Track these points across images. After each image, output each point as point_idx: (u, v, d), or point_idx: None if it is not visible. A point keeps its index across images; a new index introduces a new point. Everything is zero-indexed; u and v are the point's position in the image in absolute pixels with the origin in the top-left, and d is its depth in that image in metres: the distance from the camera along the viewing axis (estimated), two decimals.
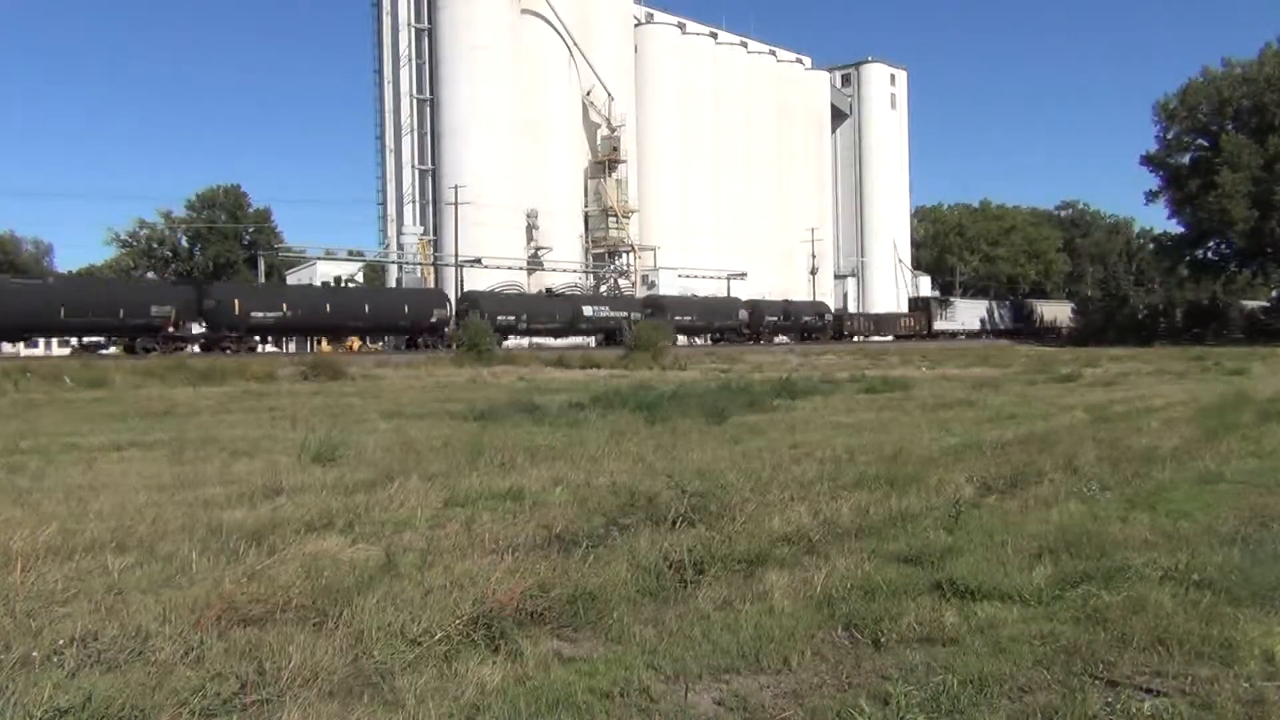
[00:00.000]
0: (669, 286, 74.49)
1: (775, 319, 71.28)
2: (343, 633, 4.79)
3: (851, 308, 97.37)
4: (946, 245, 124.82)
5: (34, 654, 4.47)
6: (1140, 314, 79.58)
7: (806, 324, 74.60)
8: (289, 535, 6.90)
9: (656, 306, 62.05)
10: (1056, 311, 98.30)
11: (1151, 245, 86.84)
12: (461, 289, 62.68)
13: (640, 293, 74.36)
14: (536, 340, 57.39)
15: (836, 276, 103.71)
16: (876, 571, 6.05)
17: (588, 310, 59.32)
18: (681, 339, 59.70)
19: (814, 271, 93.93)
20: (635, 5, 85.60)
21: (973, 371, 31.00)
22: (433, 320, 52.01)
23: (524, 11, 75.20)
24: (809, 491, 8.52)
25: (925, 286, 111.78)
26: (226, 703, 4.06)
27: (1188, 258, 75.90)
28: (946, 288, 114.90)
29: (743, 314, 68.81)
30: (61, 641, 4.60)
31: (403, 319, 51.80)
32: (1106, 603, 5.36)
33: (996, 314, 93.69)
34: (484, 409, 15.90)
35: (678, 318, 61.03)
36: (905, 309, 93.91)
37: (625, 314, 59.36)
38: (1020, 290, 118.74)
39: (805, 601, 5.54)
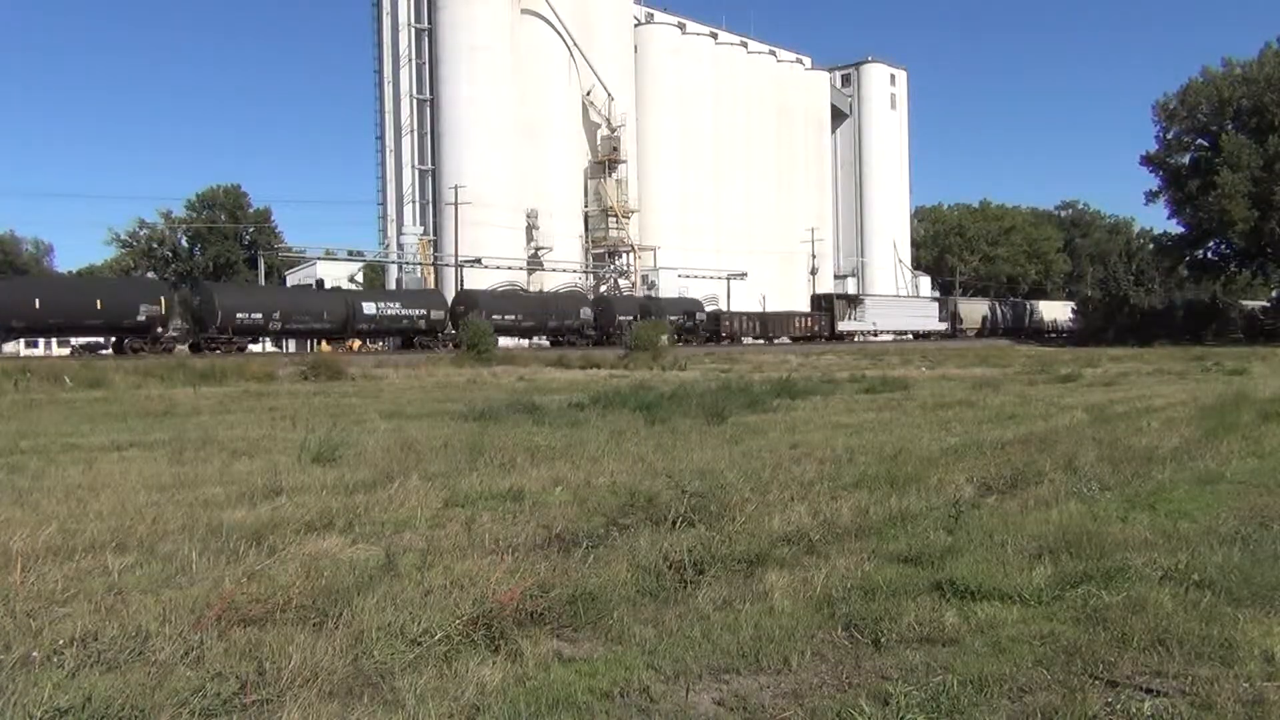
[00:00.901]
0: (668, 287, 74.48)
1: (630, 318, 58.33)
2: (343, 633, 4.79)
3: None
4: (946, 245, 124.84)
5: (34, 654, 4.47)
6: (1140, 314, 79.49)
7: (672, 324, 60.73)
8: (289, 535, 6.90)
9: (468, 303, 52.33)
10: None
11: (1151, 245, 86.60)
12: (461, 288, 62.69)
13: (640, 293, 74.39)
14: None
15: (836, 276, 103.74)
16: (876, 571, 6.05)
17: (368, 308, 48.55)
18: (506, 341, 51.11)
19: (814, 271, 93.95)
20: (635, 5, 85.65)
21: (973, 371, 31.00)
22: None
23: (524, 11, 75.23)
24: (809, 491, 8.52)
25: (925, 286, 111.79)
26: (226, 703, 4.06)
27: (1188, 258, 75.83)
28: (947, 288, 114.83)
29: (586, 312, 58.99)
30: (61, 641, 4.60)
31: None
32: (1106, 603, 5.36)
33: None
34: (484, 409, 15.90)
35: (496, 316, 50.72)
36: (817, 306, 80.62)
37: (422, 311, 49.96)
38: (1020, 290, 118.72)
39: (805, 601, 5.54)
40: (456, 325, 48.44)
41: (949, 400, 18.91)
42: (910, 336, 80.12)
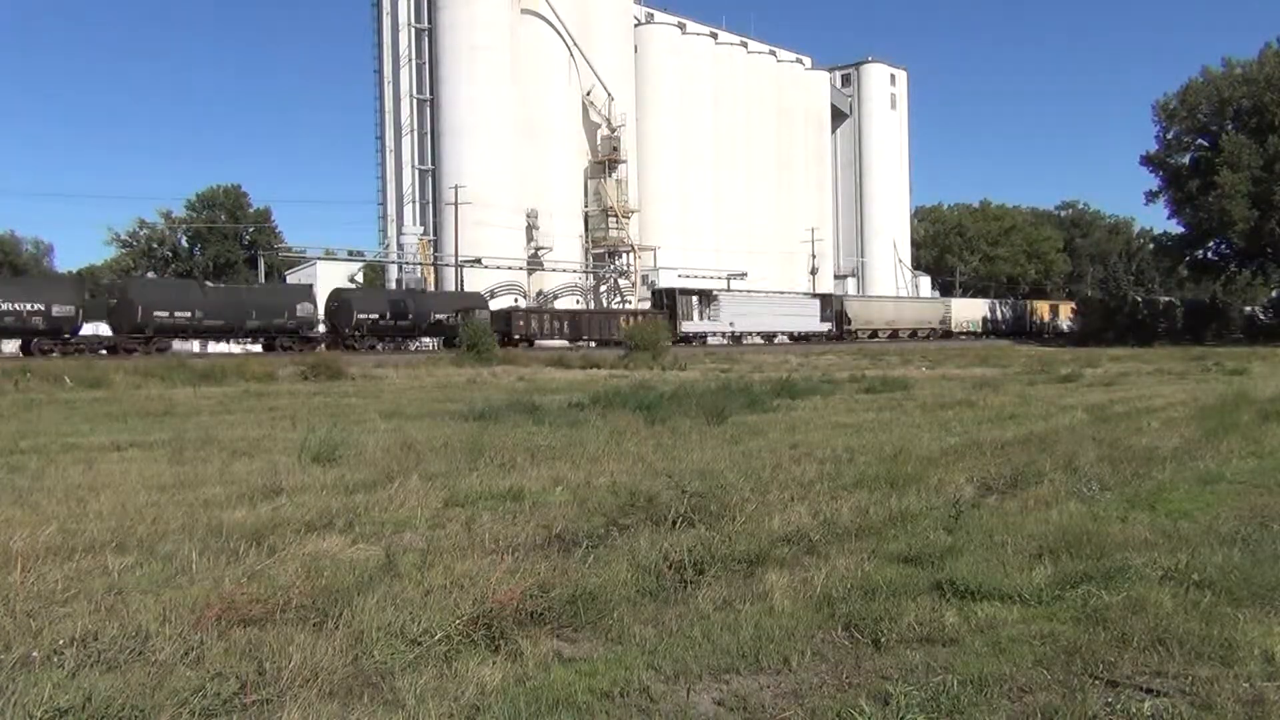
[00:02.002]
0: (668, 285, 74.42)
1: (374, 317, 48.93)
2: (343, 633, 4.79)
3: None
4: (946, 245, 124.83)
5: (34, 654, 4.47)
6: (1140, 314, 79.46)
7: (439, 325, 50.78)
8: (289, 535, 6.90)
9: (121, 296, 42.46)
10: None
11: (1151, 245, 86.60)
12: (461, 289, 62.69)
13: (642, 293, 74.41)
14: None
15: (836, 276, 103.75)
16: (876, 571, 6.05)
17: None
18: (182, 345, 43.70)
19: (814, 271, 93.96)
20: (635, 5, 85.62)
21: (973, 371, 31.01)
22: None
23: (524, 11, 75.22)
24: (809, 491, 8.53)
25: (925, 286, 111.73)
26: (226, 703, 4.07)
27: (1188, 258, 75.86)
28: (947, 287, 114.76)
29: (304, 309, 46.73)
30: (61, 641, 4.60)
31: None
32: (1106, 603, 5.36)
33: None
34: (484, 409, 15.90)
35: (160, 314, 41.58)
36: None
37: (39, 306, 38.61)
38: (1020, 290, 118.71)
39: (805, 601, 5.54)
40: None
41: (949, 400, 18.91)
42: (787, 339, 69.17)
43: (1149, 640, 4.79)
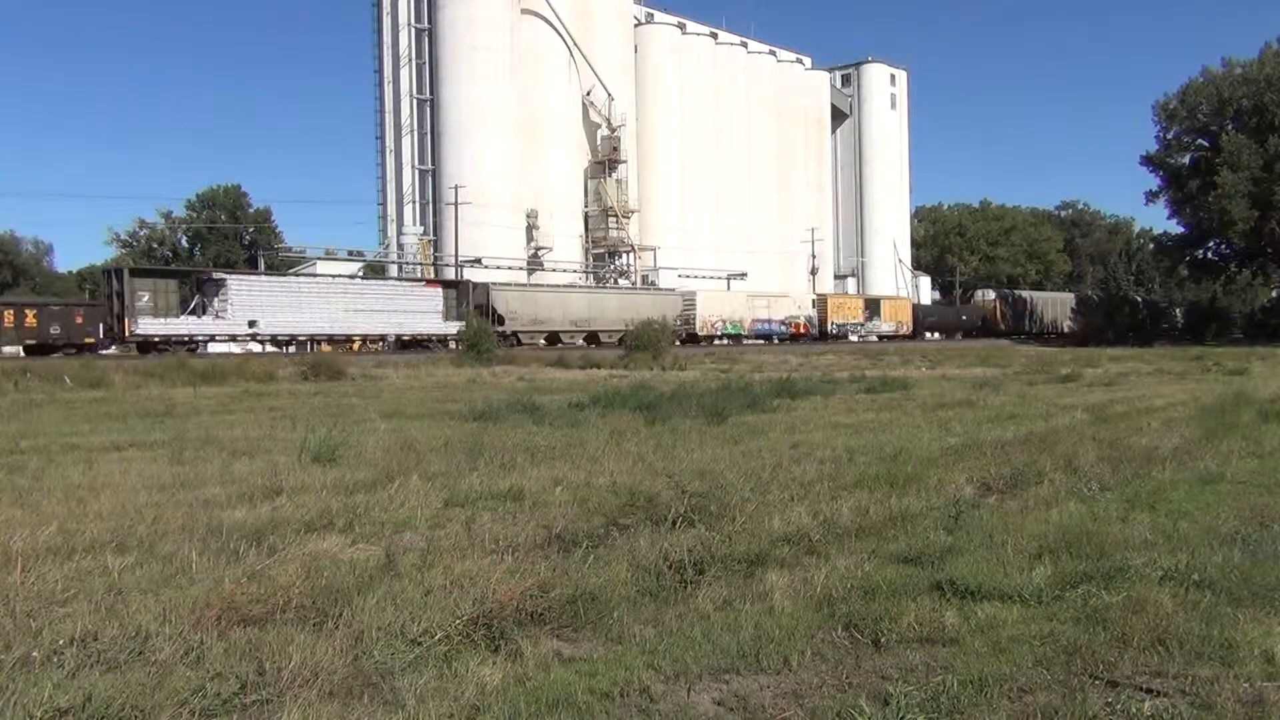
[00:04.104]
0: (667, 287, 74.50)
1: None
2: (343, 633, 4.79)
3: None
4: (946, 245, 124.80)
5: (34, 654, 4.47)
6: (1140, 314, 79.53)
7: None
8: (289, 535, 6.90)
9: None
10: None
11: (1151, 245, 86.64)
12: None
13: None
14: None
15: (836, 276, 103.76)
16: (876, 571, 6.05)
17: None
18: None
19: (814, 271, 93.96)
20: (635, 5, 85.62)
21: (973, 371, 30.99)
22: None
23: (524, 11, 75.24)
24: (809, 491, 8.52)
25: (925, 286, 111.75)
26: (226, 703, 4.07)
27: (1188, 258, 75.88)
28: (947, 287, 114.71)
29: None
30: (61, 641, 4.60)
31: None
32: (1106, 603, 5.36)
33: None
34: (484, 409, 15.89)
35: None
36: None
37: None
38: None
39: (805, 601, 5.54)
40: None
41: (949, 400, 18.90)
42: (385, 347, 48.92)
43: (1149, 640, 4.79)
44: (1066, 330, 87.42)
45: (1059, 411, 16.31)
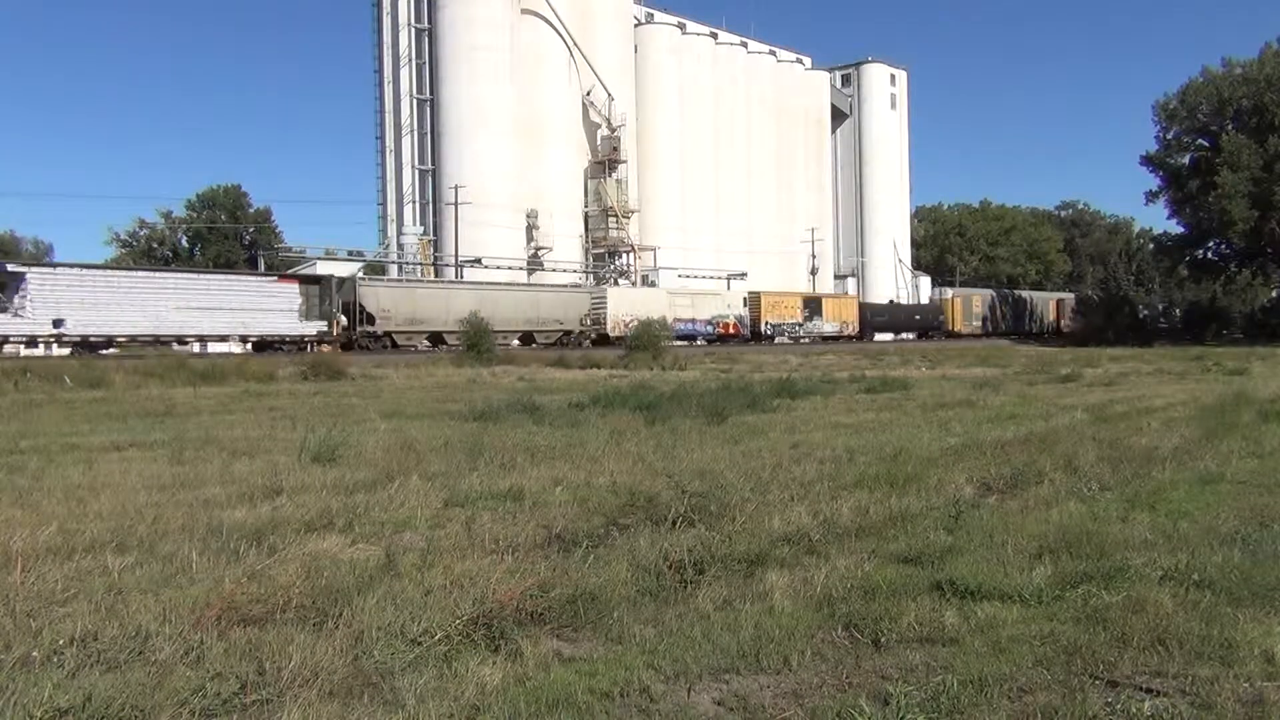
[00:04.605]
0: (668, 287, 74.52)
1: None
2: (343, 633, 4.79)
3: None
4: (946, 245, 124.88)
5: (34, 654, 4.47)
6: (1140, 314, 79.48)
7: None
8: (289, 535, 6.91)
9: None
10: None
11: (1151, 245, 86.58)
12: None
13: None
14: None
15: (837, 276, 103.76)
16: (876, 571, 6.05)
17: None
18: None
19: (814, 271, 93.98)
20: (635, 5, 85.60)
21: (973, 371, 30.99)
22: None
23: (524, 11, 75.24)
24: (809, 491, 8.52)
25: (925, 286, 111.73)
26: (226, 703, 4.07)
27: (1188, 258, 75.89)
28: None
29: None
30: (61, 641, 4.60)
31: None
32: (1106, 603, 5.36)
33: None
34: (484, 409, 15.89)
35: None
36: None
37: None
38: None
39: (805, 601, 5.54)
40: None
41: (949, 400, 18.90)
42: (231, 348, 42.36)
43: (1149, 640, 4.79)
44: (1034, 330, 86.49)
45: (1059, 411, 16.32)
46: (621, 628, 5.11)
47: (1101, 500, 8.49)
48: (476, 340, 39.27)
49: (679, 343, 55.96)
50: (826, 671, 4.57)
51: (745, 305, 67.27)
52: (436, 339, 49.80)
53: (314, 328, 45.33)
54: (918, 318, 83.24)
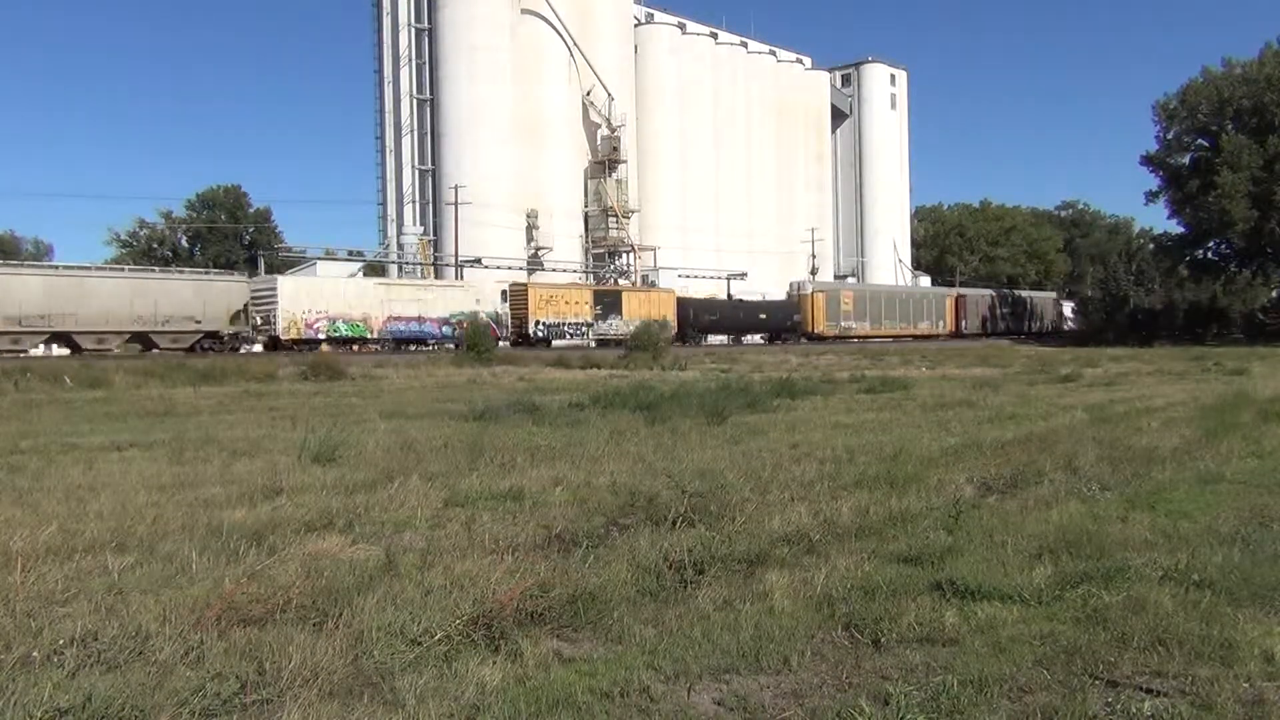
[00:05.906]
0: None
1: None
2: (343, 633, 4.79)
3: None
4: (946, 245, 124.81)
5: (34, 654, 4.47)
6: (1140, 314, 79.45)
7: None
8: (289, 535, 6.90)
9: None
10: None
11: (1151, 245, 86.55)
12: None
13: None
14: None
15: (837, 276, 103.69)
16: (876, 571, 6.05)
17: None
18: None
19: (814, 271, 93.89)
20: (635, 5, 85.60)
21: (973, 371, 30.99)
22: None
23: (524, 11, 75.23)
24: (809, 491, 8.52)
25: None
26: (226, 703, 4.07)
27: (1188, 258, 75.80)
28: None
29: None
30: (61, 641, 4.60)
31: None
32: (1106, 603, 5.36)
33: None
34: (484, 409, 15.89)
35: None
36: None
37: None
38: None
39: (805, 601, 5.54)
40: None
41: (949, 400, 18.89)
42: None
43: (1149, 640, 4.79)
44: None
45: (1059, 411, 16.31)
46: (621, 628, 5.11)
47: (1101, 500, 8.49)
48: (476, 340, 38.93)
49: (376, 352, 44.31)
50: (826, 672, 4.57)
51: (505, 300, 53.58)
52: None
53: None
54: (763, 317, 67.61)
